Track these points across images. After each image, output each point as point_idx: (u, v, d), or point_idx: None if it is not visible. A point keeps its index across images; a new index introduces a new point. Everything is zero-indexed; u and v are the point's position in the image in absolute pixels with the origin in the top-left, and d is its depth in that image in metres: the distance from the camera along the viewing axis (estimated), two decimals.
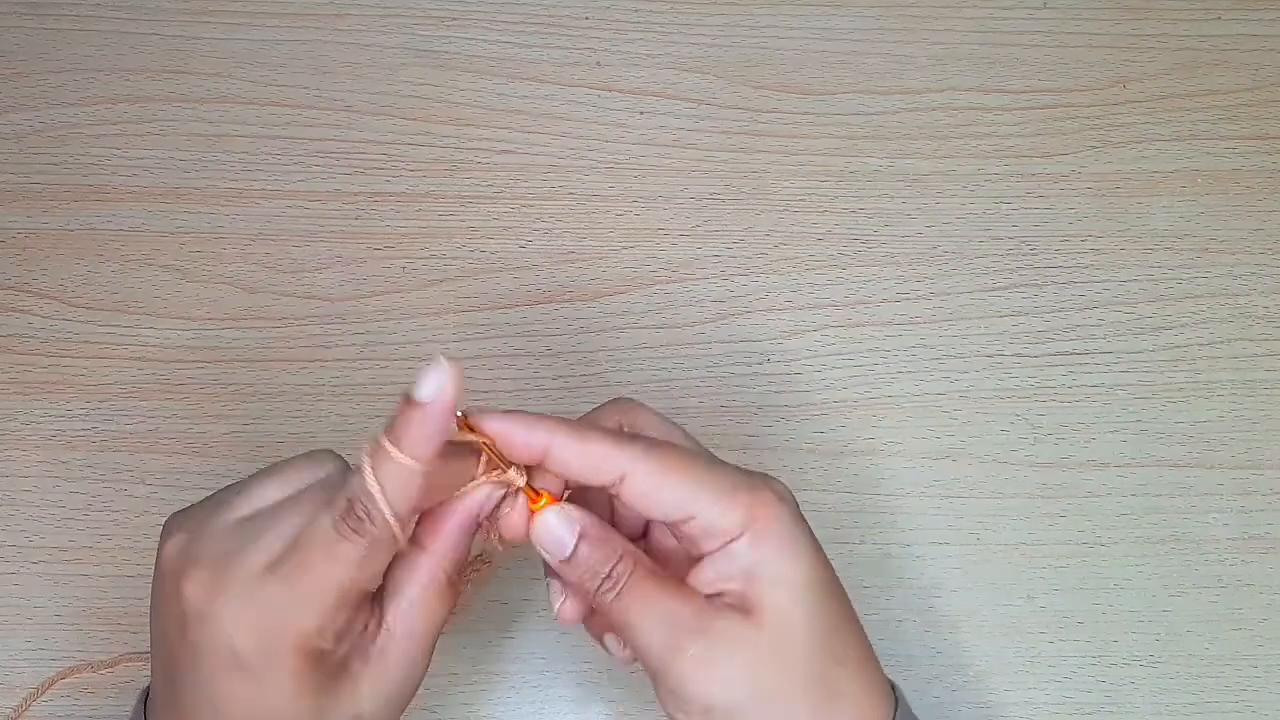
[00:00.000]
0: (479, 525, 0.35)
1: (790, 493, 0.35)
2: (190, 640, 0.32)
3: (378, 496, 0.31)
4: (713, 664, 0.32)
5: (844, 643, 0.34)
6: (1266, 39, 0.57)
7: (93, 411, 0.50)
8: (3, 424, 0.50)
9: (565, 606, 0.36)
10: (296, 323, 0.52)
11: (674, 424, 0.38)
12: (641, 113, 0.56)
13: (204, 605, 0.32)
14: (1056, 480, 0.50)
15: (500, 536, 0.36)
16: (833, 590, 0.34)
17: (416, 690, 0.35)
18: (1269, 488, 0.50)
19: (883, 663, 0.36)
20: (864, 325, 0.52)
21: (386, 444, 0.31)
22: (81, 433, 0.50)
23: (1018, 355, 0.52)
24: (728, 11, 0.57)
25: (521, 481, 0.34)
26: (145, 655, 0.45)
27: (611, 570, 0.34)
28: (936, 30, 0.57)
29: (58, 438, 0.50)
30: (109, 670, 0.46)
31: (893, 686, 0.36)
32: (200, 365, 0.51)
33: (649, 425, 0.37)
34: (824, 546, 0.35)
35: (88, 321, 0.51)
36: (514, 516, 0.35)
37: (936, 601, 0.48)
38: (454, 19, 0.57)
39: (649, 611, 0.33)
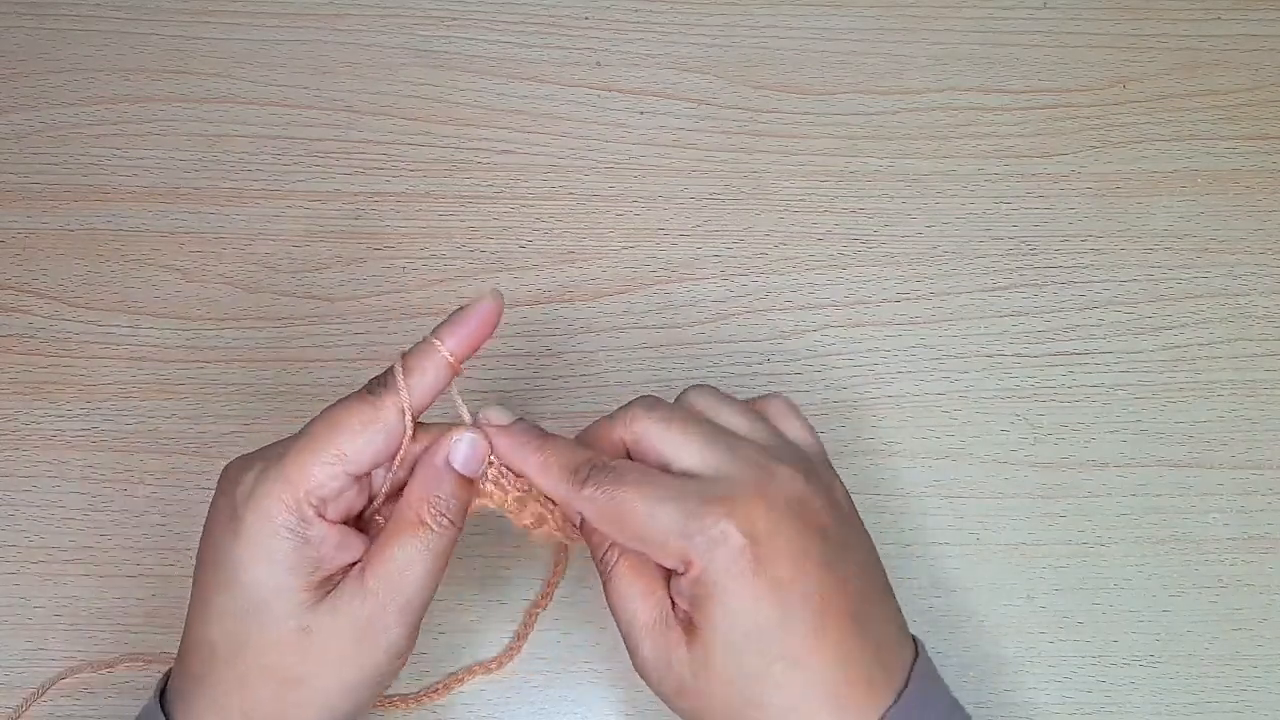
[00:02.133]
0: (453, 469, 0.37)
1: (739, 533, 0.33)
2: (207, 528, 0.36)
3: (397, 369, 0.36)
4: (657, 669, 0.36)
5: (770, 689, 0.34)
6: (1266, 39, 0.57)
7: (93, 411, 0.50)
8: (3, 424, 0.50)
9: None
10: (296, 323, 0.52)
11: (684, 414, 0.37)
12: (641, 113, 0.56)
13: (231, 478, 0.36)
14: (1056, 480, 0.50)
15: (569, 531, 0.38)
16: (773, 634, 0.34)
17: (389, 663, 0.36)
18: (1269, 488, 0.50)
19: (861, 684, 0.35)
20: (864, 325, 0.52)
21: (430, 337, 0.36)
22: (81, 433, 0.50)
23: (1018, 355, 0.52)
24: (728, 11, 0.57)
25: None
26: (145, 657, 0.46)
27: (604, 555, 0.37)
28: (936, 30, 0.57)
29: (58, 438, 0.50)
30: (108, 670, 0.46)
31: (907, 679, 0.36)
32: (200, 365, 0.51)
33: (649, 436, 0.37)
34: None
35: (88, 321, 0.51)
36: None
37: (936, 601, 0.48)
38: (454, 19, 0.57)
39: (619, 599, 0.36)
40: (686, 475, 0.35)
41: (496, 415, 0.38)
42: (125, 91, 0.55)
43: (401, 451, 0.36)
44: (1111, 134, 0.56)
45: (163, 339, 0.51)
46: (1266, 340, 0.52)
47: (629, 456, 0.37)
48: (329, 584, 0.35)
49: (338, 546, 0.35)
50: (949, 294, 0.53)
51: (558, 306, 0.52)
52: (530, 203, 0.54)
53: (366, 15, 0.57)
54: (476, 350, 0.37)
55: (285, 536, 0.34)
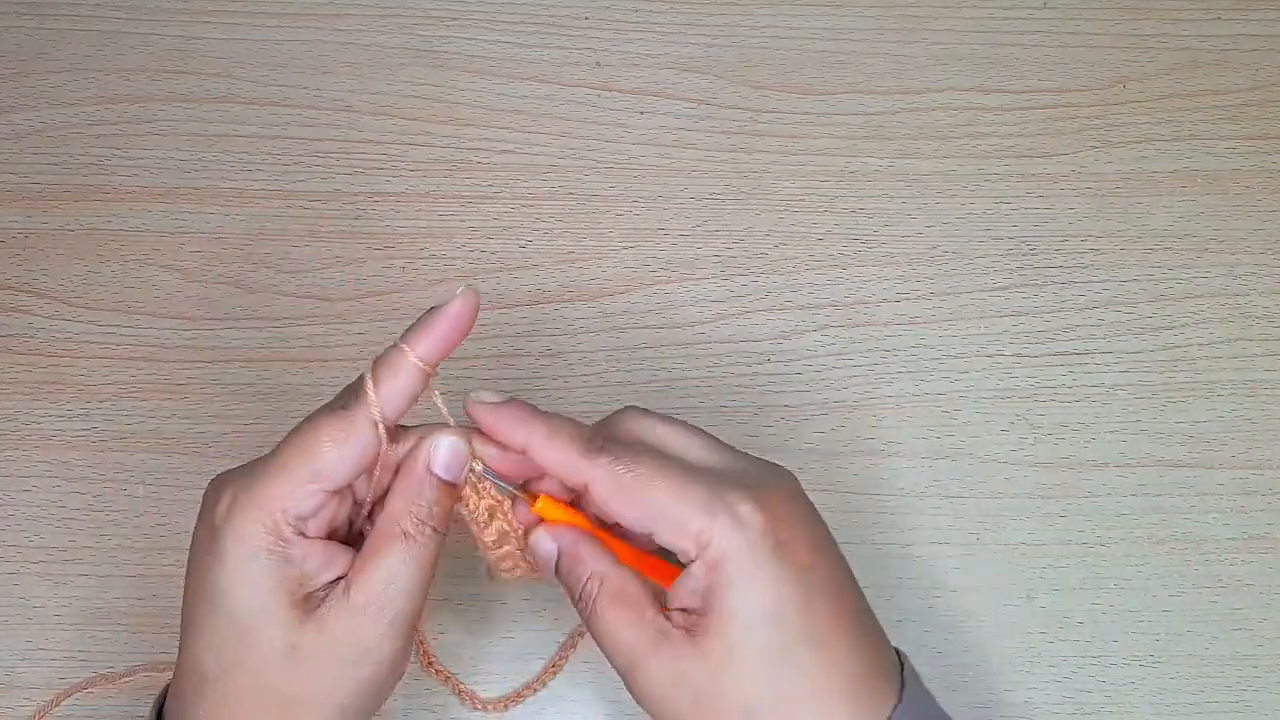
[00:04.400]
0: (433, 475, 0.36)
1: (759, 514, 0.33)
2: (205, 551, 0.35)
3: (367, 379, 0.34)
4: (654, 700, 0.34)
5: (793, 674, 0.33)
6: (1266, 39, 0.57)
7: (93, 411, 0.50)
8: (3, 424, 0.50)
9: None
10: (296, 323, 0.52)
11: (692, 432, 0.37)
12: (641, 113, 0.56)
13: (213, 503, 0.35)
14: (1056, 480, 0.50)
15: (531, 563, 0.38)
16: (792, 617, 0.33)
17: (384, 679, 0.35)
18: (1269, 488, 0.50)
19: (878, 664, 0.36)
20: (864, 325, 0.52)
21: (399, 343, 0.35)
22: (81, 433, 0.50)
23: (1018, 355, 0.52)
24: (728, 11, 0.57)
25: (479, 467, 0.37)
26: (159, 665, 0.45)
27: (582, 590, 0.35)
28: (936, 30, 0.57)
29: (58, 438, 0.50)
30: (126, 681, 0.46)
31: (901, 687, 0.35)
32: (200, 365, 0.51)
33: (654, 434, 0.37)
34: None
35: (88, 321, 0.51)
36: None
37: (936, 601, 0.48)
38: (454, 19, 0.57)
39: (607, 635, 0.35)
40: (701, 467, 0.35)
41: (488, 395, 0.37)
42: (125, 91, 0.55)
43: (380, 459, 0.35)
44: (1111, 134, 0.56)
45: (163, 339, 0.51)
46: (1266, 340, 0.52)
47: None
48: (316, 600, 0.34)
49: (323, 563, 0.35)
50: (949, 294, 0.53)
51: (558, 306, 0.52)
52: (530, 203, 0.54)
53: (366, 15, 0.57)
54: (450, 352, 0.36)
55: (265, 558, 0.33)
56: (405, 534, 0.35)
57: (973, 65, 0.57)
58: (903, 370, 0.52)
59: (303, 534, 0.34)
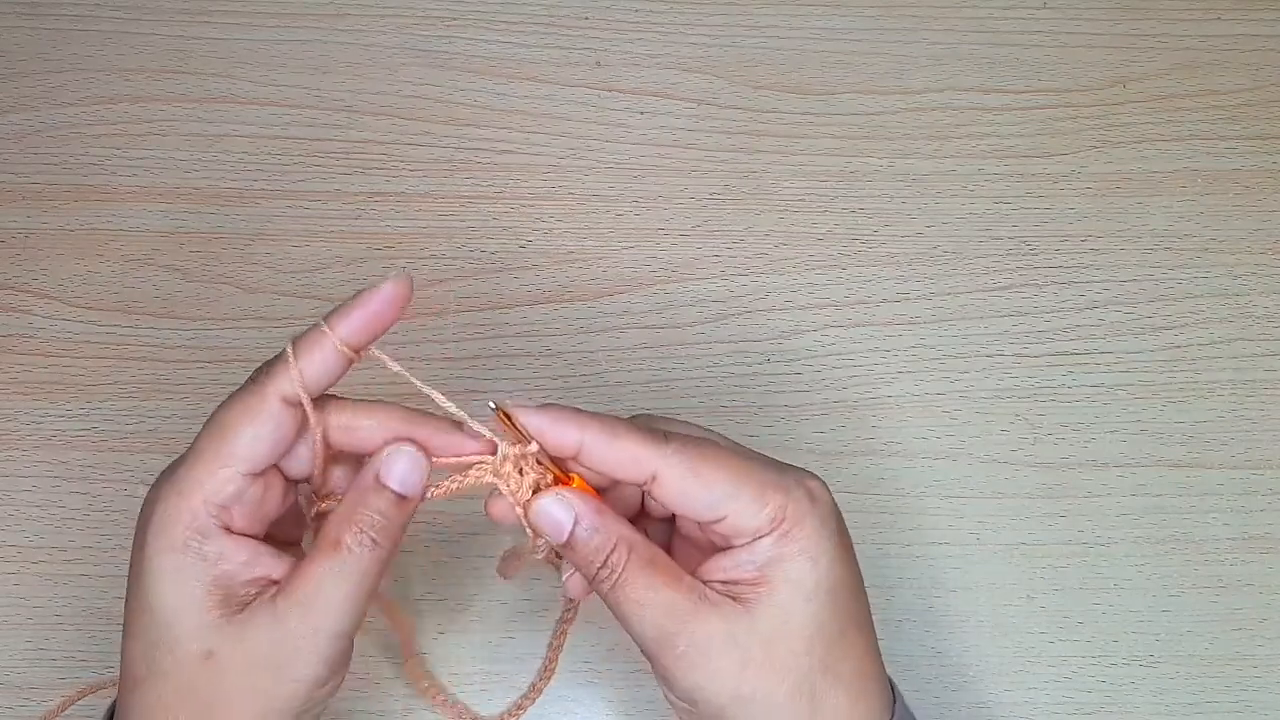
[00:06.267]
0: (384, 487, 0.34)
1: (827, 491, 0.35)
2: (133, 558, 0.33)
3: (287, 353, 0.33)
4: (699, 663, 0.33)
5: (842, 652, 0.34)
6: (1266, 39, 0.57)
7: (93, 411, 0.50)
8: (3, 424, 0.50)
9: (572, 580, 0.37)
10: (296, 323, 0.52)
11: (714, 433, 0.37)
12: (641, 113, 0.56)
13: (149, 499, 0.33)
14: (1056, 480, 0.50)
15: (554, 553, 0.36)
16: (846, 597, 0.34)
17: (307, 695, 0.33)
18: (1269, 488, 0.50)
19: (883, 663, 0.36)
20: (864, 325, 0.52)
21: (321, 322, 0.33)
22: (81, 433, 0.50)
23: (1018, 355, 0.52)
24: (728, 11, 0.57)
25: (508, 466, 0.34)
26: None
27: (607, 559, 0.34)
28: (936, 30, 0.57)
29: (58, 438, 0.50)
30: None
31: (894, 690, 0.36)
32: (200, 365, 0.51)
33: (685, 428, 0.37)
34: None
35: (88, 321, 0.51)
36: (501, 504, 0.35)
37: (936, 601, 0.48)
38: (454, 19, 0.57)
39: (643, 602, 0.33)
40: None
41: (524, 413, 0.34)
42: (125, 91, 0.55)
43: (317, 446, 0.34)
44: (1111, 134, 0.56)
45: (163, 339, 0.51)
46: (1266, 340, 0.52)
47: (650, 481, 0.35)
48: (239, 604, 0.32)
49: (245, 563, 0.32)
50: (949, 294, 0.53)
51: (558, 306, 0.52)
52: (530, 203, 0.54)
53: (366, 15, 0.57)
54: (378, 337, 0.33)
55: (180, 553, 0.32)
56: (343, 545, 0.32)
57: (973, 65, 0.57)
58: (903, 370, 0.52)
59: (227, 529, 0.32)
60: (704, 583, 0.34)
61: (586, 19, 0.57)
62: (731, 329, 0.52)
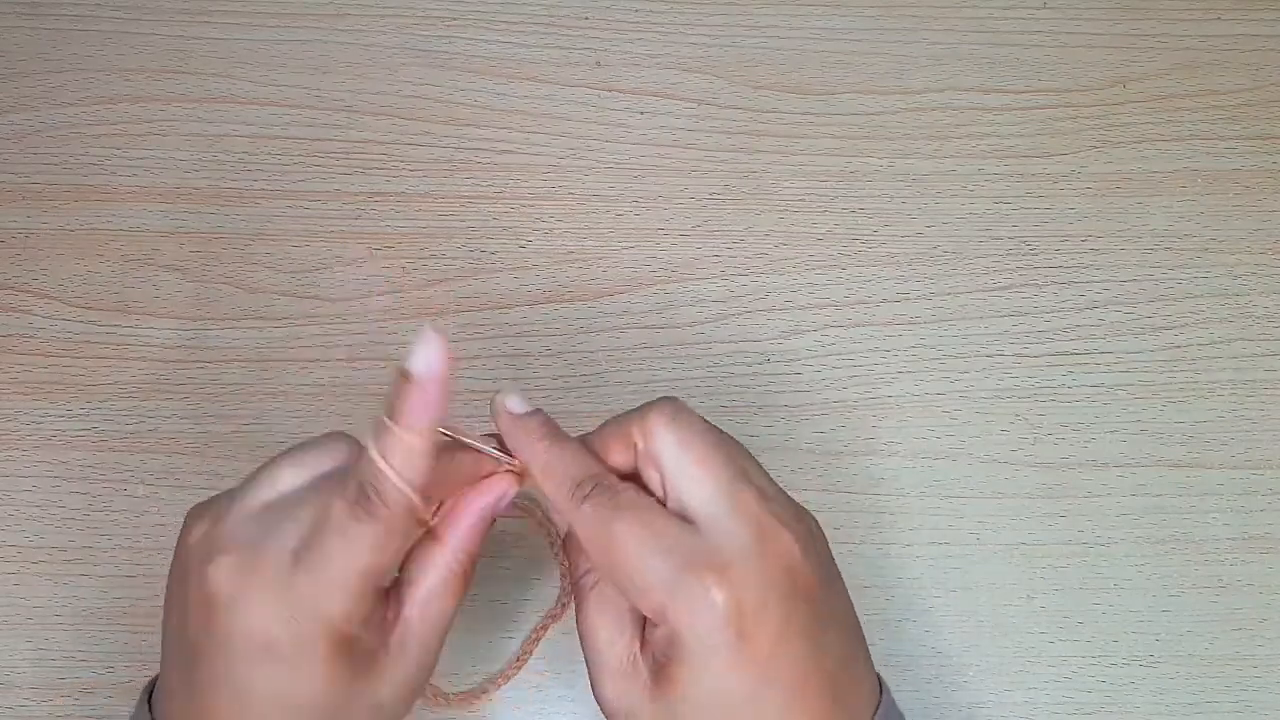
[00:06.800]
0: (494, 519, 0.36)
1: (735, 598, 0.32)
2: (218, 628, 0.32)
3: (387, 472, 0.32)
4: (617, 711, 0.34)
5: None
6: (1266, 39, 0.57)
7: (93, 411, 0.50)
8: (3, 424, 0.50)
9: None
10: (296, 323, 0.52)
11: (703, 439, 0.35)
12: (641, 113, 0.56)
13: (234, 591, 0.32)
14: (1056, 480, 0.50)
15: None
16: (747, 710, 0.32)
17: (429, 680, 0.36)
18: (1269, 488, 0.50)
19: (883, 663, 0.36)
20: (864, 325, 0.52)
21: (388, 422, 0.32)
22: (81, 433, 0.50)
23: (1018, 355, 0.52)
24: (728, 11, 0.57)
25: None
26: None
27: (581, 577, 0.36)
28: (936, 30, 0.57)
29: (58, 438, 0.50)
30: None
31: (881, 689, 0.35)
32: (200, 365, 0.51)
33: (663, 450, 0.35)
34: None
35: (88, 321, 0.51)
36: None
37: (936, 601, 0.48)
38: (454, 19, 0.57)
39: (591, 632, 0.35)
40: (684, 519, 0.33)
41: (514, 403, 0.36)
42: (125, 91, 0.55)
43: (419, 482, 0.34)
44: (1111, 134, 0.56)
45: (163, 339, 0.51)
46: (1266, 340, 0.52)
47: (637, 460, 0.36)
48: (350, 648, 0.33)
49: (363, 622, 0.33)
50: (949, 294, 0.53)
51: (558, 306, 0.52)
52: (530, 203, 0.54)
53: (366, 15, 0.57)
54: (444, 410, 0.33)
55: (288, 654, 0.32)
56: (465, 574, 0.35)
57: (973, 65, 0.57)
58: (903, 370, 0.52)
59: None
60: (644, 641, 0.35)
61: (586, 19, 0.57)
62: (731, 329, 0.52)
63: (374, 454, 0.32)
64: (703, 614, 0.32)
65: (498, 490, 0.36)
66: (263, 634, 0.32)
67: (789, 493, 0.36)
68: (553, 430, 0.36)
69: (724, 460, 0.34)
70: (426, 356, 0.33)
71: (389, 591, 0.34)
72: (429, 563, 0.35)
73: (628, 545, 0.33)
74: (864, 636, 0.36)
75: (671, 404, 0.36)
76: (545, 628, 0.46)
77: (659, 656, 0.33)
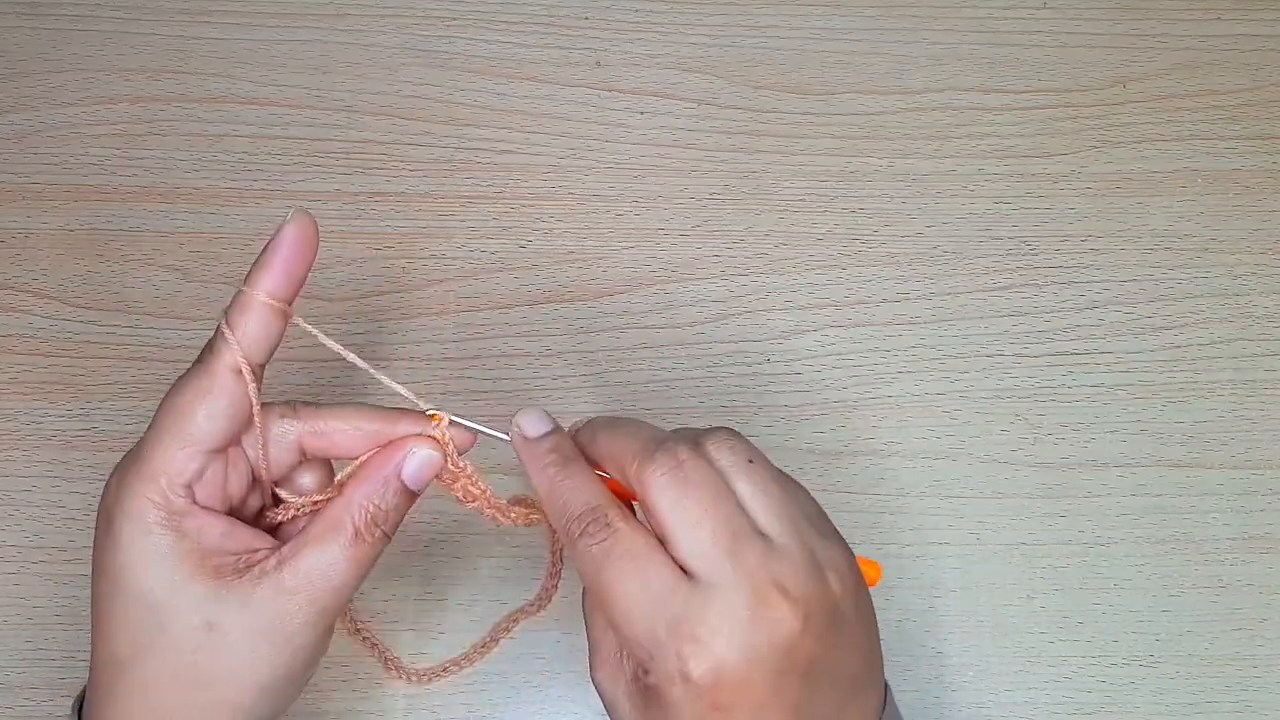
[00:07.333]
0: (415, 489, 0.35)
1: (716, 672, 0.31)
2: (98, 530, 0.34)
3: (222, 326, 0.34)
4: (605, 694, 0.35)
5: None
6: (1266, 39, 0.57)
7: (93, 411, 0.50)
8: (3, 424, 0.50)
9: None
10: (296, 323, 0.51)
11: (706, 499, 0.33)
12: (641, 113, 0.56)
13: (111, 481, 0.34)
14: (1056, 480, 0.50)
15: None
16: None
17: (304, 665, 0.34)
18: (1269, 488, 0.50)
19: (883, 663, 0.36)
20: (864, 325, 0.52)
21: (242, 286, 0.34)
22: (81, 433, 0.50)
23: (1018, 355, 0.52)
24: (728, 11, 0.57)
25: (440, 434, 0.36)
26: None
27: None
28: (936, 30, 0.57)
29: (58, 438, 0.50)
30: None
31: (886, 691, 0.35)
32: None
33: (662, 500, 0.33)
34: None
35: (88, 321, 0.51)
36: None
37: (936, 601, 0.48)
38: (454, 19, 0.57)
39: (594, 620, 0.36)
40: (680, 565, 0.32)
41: (529, 425, 0.36)
42: (125, 91, 0.55)
43: (256, 419, 0.34)
44: (1111, 134, 0.56)
45: (163, 339, 0.51)
46: (1266, 340, 0.52)
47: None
48: (229, 574, 0.33)
49: (224, 534, 0.33)
50: (949, 294, 0.53)
51: (558, 306, 0.52)
52: (530, 203, 0.54)
53: (366, 15, 0.57)
54: (301, 283, 0.35)
55: (159, 533, 0.33)
56: (356, 531, 0.34)
57: (973, 65, 0.57)
58: (903, 370, 0.52)
59: (195, 504, 0.33)
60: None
61: (586, 19, 0.57)
62: (731, 329, 0.52)
63: (220, 318, 0.34)
64: (681, 680, 0.31)
65: (405, 451, 0.35)
66: (104, 515, 0.34)
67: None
68: (562, 456, 0.35)
69: (726, 511, 0.32)
70: (291, 230, 0.35)
71: (277, 531, 0.36)
72: (324, 514, 0.35)
73: (615, 591, 0.32)
74: (880, 666, 0.35)
75: (729, 436, 0.35)
76: (516, 620, 0.47)
77: (643, 677, 0.33)
